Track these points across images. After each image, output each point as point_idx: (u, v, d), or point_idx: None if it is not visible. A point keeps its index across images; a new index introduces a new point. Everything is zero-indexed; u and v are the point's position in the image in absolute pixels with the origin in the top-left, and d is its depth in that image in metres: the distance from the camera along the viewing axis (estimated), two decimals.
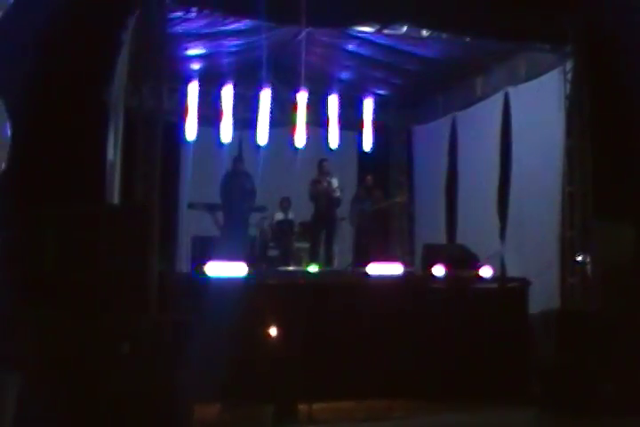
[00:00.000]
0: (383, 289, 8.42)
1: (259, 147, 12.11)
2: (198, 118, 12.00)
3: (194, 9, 8.81)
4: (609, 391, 7.41)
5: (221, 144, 12.03)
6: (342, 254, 11.55)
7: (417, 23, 9.53)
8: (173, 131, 11.54)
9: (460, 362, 8.12)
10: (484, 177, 11.46)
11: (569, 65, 9.98)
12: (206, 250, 8.80)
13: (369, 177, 11.59)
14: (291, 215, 11.55)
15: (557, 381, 7.65)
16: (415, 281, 8.99)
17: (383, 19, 9.43)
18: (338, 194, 11.09)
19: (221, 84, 12.06)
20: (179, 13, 8.90)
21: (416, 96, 13.42)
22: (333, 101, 12.87)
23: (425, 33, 9.77)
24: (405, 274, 9.11)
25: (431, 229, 12.53)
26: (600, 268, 8.87)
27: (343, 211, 11.46)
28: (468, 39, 10.01)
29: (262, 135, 12.11)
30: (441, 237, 12.11)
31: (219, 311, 7.40)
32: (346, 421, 7.18)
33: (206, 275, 7.88)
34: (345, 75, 12.48)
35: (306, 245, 11.15)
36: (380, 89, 13.08)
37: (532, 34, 9.77)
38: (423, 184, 13.24)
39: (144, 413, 5.91)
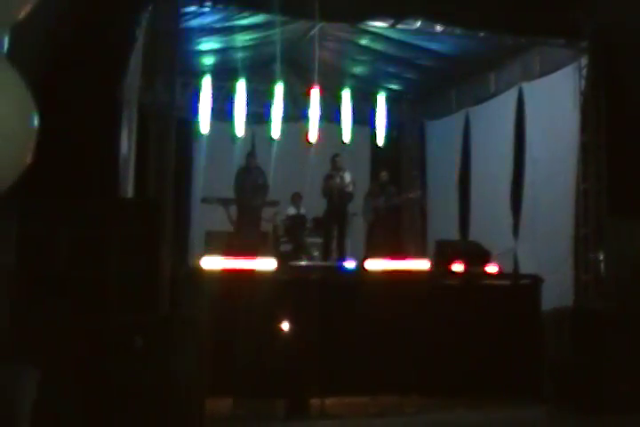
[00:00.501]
0: (395, 285, 8.41)
1: (272, 141, 12.11)
2: (211, 113, 12.00)
3: (207, 3, 8.81)
4: (622, 389, 7.39)
5: (234, 139, 12.03)
6: (354, 250, 11.53)
7: (431, 18, 9.49)
8: (187, 126, 11.57)
9: (473, 359, 8.10)
10: (497, 173, 11.42)
11: (584, 61, 9.91)
12: (219, 244, 8.81)
13: (383, 173, 11.56)
14: (303, 210, 11.56)
15: (570, 378, 7.63)
16: (428, 277, 8.98)
17: (397, 13, 9.39)
18: (350, 189, 11.08)
19: (235, 79, 12.05)
20: (192, 8, 8.91)
21: (429, 91, 13.39)
22: (346, 96, 12.84)
23: (439, 28, 9.74)
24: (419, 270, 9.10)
25: (444, 226, 12.49)
26: (614, 265, 8.83)
27: (356, 206, 11.45)
28: (481, 34, 9.97)
29: (275, 130, 12.11)
30: (454, 234, 12.07)
31: (230, 305, 7.42)
32: (358, 416, 7.20)
33: (219, 269, 7.90)
34: (358, 69, 12.46)
35: (318, 240, 11.15)
36: (393, 84, 13.05)
37: (547, 29, 9.71)
38: (436, 180, 13.20)
39: (155, 407, 5.94)
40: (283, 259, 9.16)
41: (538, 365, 8.26)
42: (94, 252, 6.43)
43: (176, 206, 8.32)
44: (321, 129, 12.16)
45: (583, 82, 9.90)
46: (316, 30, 10.49)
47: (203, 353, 6.31)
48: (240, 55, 11.49)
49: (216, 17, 9.59)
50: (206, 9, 9.01)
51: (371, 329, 7.94)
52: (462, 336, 8.18)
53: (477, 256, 9.35)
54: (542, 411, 7.47)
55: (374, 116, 13.20)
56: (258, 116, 12.37)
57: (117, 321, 6.00)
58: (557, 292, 9.25)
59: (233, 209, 10.91)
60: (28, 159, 2.85)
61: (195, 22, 9.53)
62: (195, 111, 11.94)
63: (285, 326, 7.26)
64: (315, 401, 7.08)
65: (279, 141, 12.09)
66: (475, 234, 11.53)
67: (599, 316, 8.09)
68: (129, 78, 8.93)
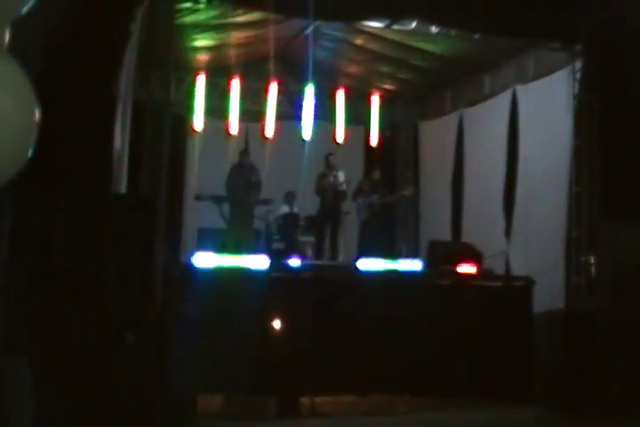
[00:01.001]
0: (388, 284, 8.42)
1: (266, 140, 12.10)
2: (206, 110, 11.97)
3: (203, 0, 8.80)
4: (613, 391, 7.41)
5: (228, 136, 12.01)
6: (347, 249, 11.53)
7: (426, 19, 9.50)
8: (181, 122, 11.53)
9: (465, 359, 8.13)
10: (490, 175, 11.44)
11: (578, 64, 9.94)
12: (212, 242, 8.80)
13: (376, 171, 11.55)
14: (296, 209, 11.55)
15: (561, 380, 7.65)
16: (421, 278, 8.99)
17: (392, 14, 9.39)
18: (344, 188, 11.09)
19: (229, 76, 12.03)
20: (188, 4, 8.89)
21: (424, 92, 13.40)
22: (341, 95, 12.84)
23: (434, 29, 9.75)
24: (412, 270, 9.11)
25: (437, 226, 12.51)
26: (606, 268, 8.85)
27: (349, 205, 11.45)
28: (476, 36, 9.99)
29: (269, 128, 12.10)
30: (446, 235, 12.08)
31: (223, 303, 7.41)
32: (349, 414, 7.19)
33: (212, 266, 7.90)
34: (353, 69, 12.46)
35: (311, 238, 11.15)
36: (387, 84, 13.05)
37: (542, 32, 9.73)
38: (429, 180, 13.21)
39: (147, 403, 5.92)
40: (275, 257, 9.14)
41: (529, 366, 8.28)
42: (87, 248, 6.41)
43: (169, 203, 8.29)
44: (315, 128, 12.17)
45: (577, 85, 9.93)
46: (311, 29, 10.49)
47: (195, 350, 6.29)
48: (235, 52, 11.47)
49: (211, 14, 9.57)
50: (201, 5, 9.00)
51: (363, 328, 7.94)
52: (454, 337, 8.20)
53: (469, 257, 9.37)
54: (534, 412, 7.48)
55: (368, 115, 13.20)
56: (252, 113, 12.36)
57: (110, 317, 5.98)
58: (549, 294, 9.28)
59: (226, 206, 10.89)
60: (29, 154, 2.85)
61: (190, 19, 9.51)
62: (189, 108, 11.90)
63: (277, 323, 7.25)
64: (306, 400, 7.07)
65: (273, 140, 12.09)
66: (467, 235, 11.56)
67: (590, 318, 8.12)
68: (123, 74, 8.88)
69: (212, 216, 10.86)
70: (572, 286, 9.45)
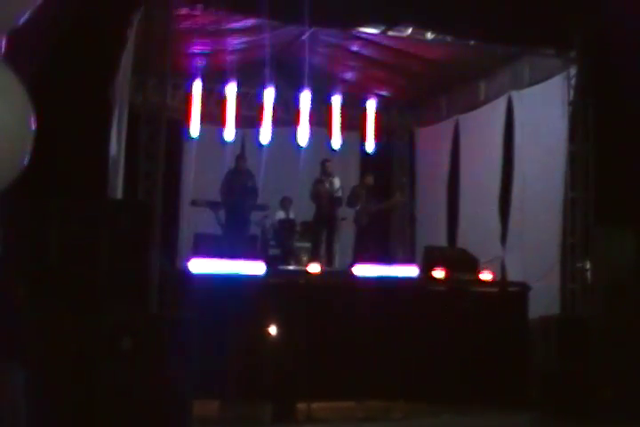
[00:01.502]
0: (384, 290, 8.42)
1: (261, 145, 12.11)
2: (202, 116, 11.98)
3: (199, 6, 8.81)
4: (608, 397, 7.42)
5: (224, 142, 12.01)
6: (343, 255, 11.52)
7: (422, 25, 9.53)
8: (177, 128, 11.53)
9: (460, 365, 8.13)
10: (485, 180, 11.46)
11: (573, 71, 9.98)
12: (208, 247, 8.78)
13: (369, 177, 11.54)
14: (292, 215, 11.54)
15: (557, 385, 7.65)
16: (416, 283, 8.99)
17: (388, 20, 9.42)
18: (340, 194, 11.09)
19: (225, 82, 12.04)
20: (184, 10, 8.90)
21: (419, 98, 13.42)
22: (336, 101, 12.86)
23: (429, 35, 9.78)
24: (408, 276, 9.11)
25: (432, 232, 12.52)
26: (601, 274, 8.87)
27: (345, 211, 11.44)
28: (472, 42, 10.02)
29: (265, 134, 12.11)
30: (442, 240, 12.10)
31: (218, 309, 7.40)
32: (344, 420, 7.20)
33: (207, 272, 7.89)
34: (348, 75, 12.48)
35: (307, 244, 11.14)
36: (383, 90, 13.07)
37: (537, 39, 9.77)
38: (425, 186, 13.23)
39: (143, 408, 5.91)
40: (271, 263, 9.14)
41: (524, 372, 8.29)
42: (83, 253, 6.40)
43: (165, 208, 8.29)
44: (311, 134, 12.18)
45: (572, 91, 9.96)
46: (307, 35, 10.50)
47: (190, 355, 6.28)
48: (231, 58, 11.48)
49: (207, 20, 9.59)
50: (198, 12, 9.01)
51: (358, 334, 7.94)
52: (450, 343, 8.20)
53: (465, 263, 9.38)
54: (528, 417, 7.49)
55: (364, 121, 13.22)
56: (248, 119, 12.36)
57: (106, 322, 5.98)
58: (544, 300, 9.29)
59: (222, 212, 10.88)
60: (26, 161, 2.86)
61: (186, 24, 9.52)
62: (185, 114, 11.91)
63: (273, 329, 7.25)
64: (301, 405, 7.06)
65: (269, 145, 12.10)
66: (463, 241, 11.57)
67: (585, 324, 8.14)
68: (120, 79, 8.89)
69: (208, 222, 10.85)
70: (568, 292, 9.46)
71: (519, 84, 11.03)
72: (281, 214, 11.50)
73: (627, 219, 8.63)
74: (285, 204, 11.55)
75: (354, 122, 13.17)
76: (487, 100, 11.83)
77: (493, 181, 11.26)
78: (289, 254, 10.92)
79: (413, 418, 7.39)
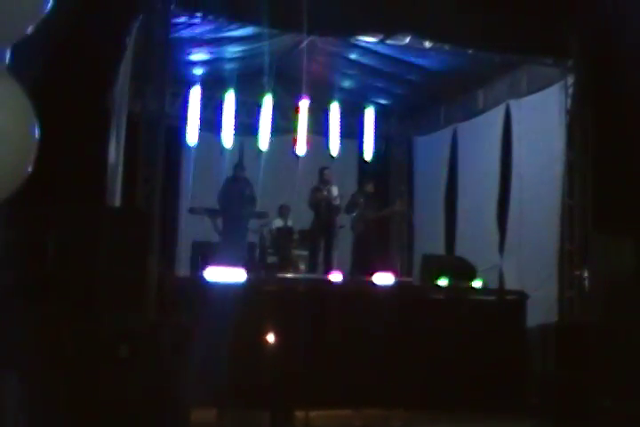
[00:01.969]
0: (382, 299, 8.41)
1: (260, 153, 12.12)
2: (200, 123, 11.99)
3: (198, 14, 8.84)
4: (606, 404, 7.40)
5: (223, 150, 12.02)
6: (341, 263, 11.51)
7: (420, 34, 9.56)
8: (175, 135, 11.54)
9: (458, 373, 8.11)
10: (483, 189, 11.48)
11: (570, 80, 10.02)
12: (206, 255, 8.78)
13: (370, 185, 11.57)
14: (290, 222, 11.54)
15: (555, 393, 7.64)
16: (414, 291, 8.98)
17: (386, 29, 9.45)
18: (338, 202, 11.09)
19: (224, 90, 12.06)
20: (183, 18, 8.93)
21: (418, 106, 13.44)
22: (335, 110, 12.88)
23: (427, 44, 9.81)
24: (403, 284, 9.11)
25: (430, 240, 12.52)
26: (599, 282, 8.87)
27: (343, 219, 11.45)
28: (470, 51, 10.06)
29: (264, 142, 12.12)
30: (440, 248, 12.10)
31: (217, 317, 7.38)
32: None
33: (206, 280, 7.88)
34: (347, 83, 12.50)
35: (304, 252, 11.14)
36: (381, 98, 13.10)
37: (535, 48, 9.82)
38: (423, 194, 13.24)
39: (141, 416, 5.88)
40: (269, 271, 9.14)
41: (522, 380, 8.27)
42: (81, 260, 6.39)
43: (163, 216, 8.29)
44: (309, 142, 12.20)
45: (569, 100, 10.00)
46: (305, 43, 10.53)
47: (188, 363, 6.26)
48: (229, 66, 11.52)
49: (206, 28, 9.61)
50: (197, 20, 9.03)
51: (356, 342, 7.92)
52: (448, 351, 8.18)
53: (463, 271, 9.38)
54: (528, 425, 7.47)
55: (362, 130, 13.23)
56: (246, 127, 12.38)
57: (103, 330, 5.96)
58: (542, 308, 9.28)
59: (220, 220, 10.87)
60: (30, 170, 2.88)
61: (185, 33, 9.55)
62: (183, 121, 11.92)
63: (271, 337, 7.23)
64: (299, 413, 7.04)
65: (267, 153, 12.10)
66: (461, 249, 11.57)
67: (583, 332, 8.12)
68: (118, 86, 8.90)
69: (207, 229, 10.84)
70: (566, 300, 9.46)
71: (517, 93, 11.06)
72: (279, 222, 11.49)
73: (625, 227, 8.63)
74: (283, 212, 11.55)
75: (352, 130, 13.20)
76: (485, 109, 11.86)
77: (491, 189, 11.28)
78: (287, 262, 10.91)
79: (412, 426, 7.36)
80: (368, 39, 9.87)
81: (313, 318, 7.85)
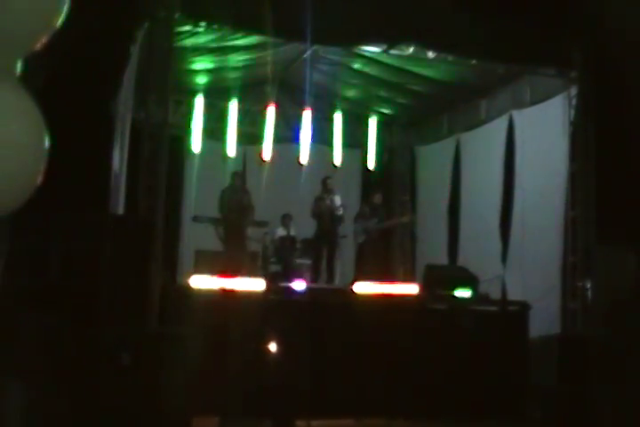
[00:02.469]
0: (384, 308, 8.39)
1: (263, 162, 12.12)
2: (203, 132, 12.00)
3: (202, 23, 8.87)
4: (608, 417, 7.37)
5: (226, 158, 12.03)
6: (344, 272, 11.51)
7: (423, 44, 9.59)
8: (179, 144, 11.55)
9: (460, 384, 8.08)
10: (486, 199, 11.46)
11: (573, 90, 10.03)
12: (209, 264, 8.77)
13: (377, 195, 11.56)
14: (293, 232, 11.52)
15: (557, 405, 7.61)
16: (416, 301, 8.96)
17: (390, 39, 9.48)
18: (341, 212, 11.08)
19: (227, 99, 12.07)
20: (187, 27, 8.95)
21: (421, 116, 13.47)
22: (338, 119, 12.89)
23: (431, 54, 9.83)
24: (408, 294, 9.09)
25: (433, 250, 12.50)
26: (602, 293, 8.85)
27: (345, 228, 11.44)
28: (473, 62, 10.08)
29: (267, 151, 12.13)
30: (442, 259, 12.07)
31: (219, 325, 7.37)
32: None
33: (208, 288, 7.87)
34: (350, 93, 12.52)
35: (307, 261, 11.13)
36: (385, 108, 13.11)
37: (538, 58, 9.84)
38: (426, 205, 13.22)
39: (142, 424, 5.87)
40: (272, 280, 9.12)
41: (524, 391, 8.24)
42: (84, 268, 6.39)
43: (166, 224, 8.28)
44: (312, 151, 12.20)
45: (572, 111, 10.01)
46: (309, 53, 10.55)
47: (190, 372, 6.25)
48: (233, 75, 11.53)
49: (210, 37, 9.63)
50: (201, 29, 9.06)
51: (358, 352, 7.91)
52: (449, 361, 8.16)
53: (465, 281, 9.36)
54: None
55: (366, 139, 13.24)
56: (250, 136, 12.39)
57: (105, 338, 5.95)
58: (545, 319, 9.25)
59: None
60: (39, 180, 2.90)
61: (189, 41, 9.57)
62: (187, 130, 11.93)
63: (273, 346, 7.22)
64: (301, 423, 7.02)
65: (270, 162, 12.10)
66: (463, 260, 11.55)
67: (586, 344, 8.10)
68: (122, 95, 8.93)
69: (210, 238, 10.83)
70: (568, 311, 9.44)
71: (520, 104, 11.07)
72: (282, 231, 11.48)
73: (627, 238, 8.62)
74: (286, 221, 11.53)
75: (355, 139, 13.22)
76: (488, 119, 11.86)
77: (494, 199, 11.27)
78: (289, 271, 10.90)
79: None
80: (372, 49, 9.90)
81: (315, 328, 7.84)
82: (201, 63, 10.91)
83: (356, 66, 11.33)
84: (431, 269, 9.85)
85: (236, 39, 9.80)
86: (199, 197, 11.72)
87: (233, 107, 12.14)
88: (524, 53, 9.61)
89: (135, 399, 5.86)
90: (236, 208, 10.79)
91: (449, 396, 8.01)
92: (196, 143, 11.93)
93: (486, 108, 11.95)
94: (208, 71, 11.37)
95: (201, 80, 11.69)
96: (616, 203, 9.07)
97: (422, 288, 9.23)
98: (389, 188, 13.74)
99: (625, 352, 7.76)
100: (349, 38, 9.49)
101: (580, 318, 9.29)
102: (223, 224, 10.85)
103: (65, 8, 2.78)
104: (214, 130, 12.16)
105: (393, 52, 9.81)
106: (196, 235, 11.38)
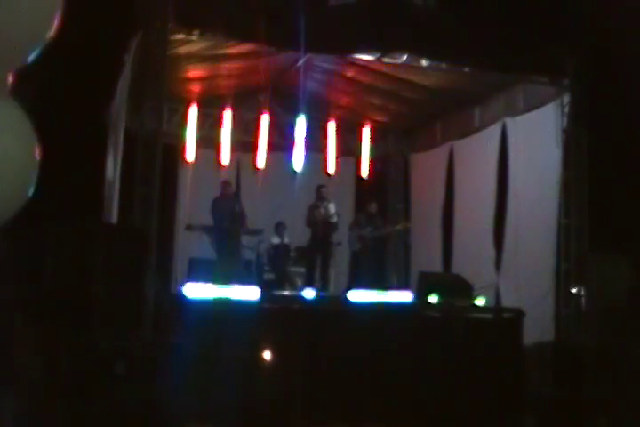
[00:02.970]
0: (378, 316, 8.40)
1: (257, 170, 12.12)
2: (197, 140, 12.00)
3: (196, 32, 8.88)
4: (603, 423, 7.38)
5: (220, 167, 12.01)
6: (338, 280, 11.51)
7: (417, 52, 9.62)
8: (172, 152, 11.54)
9: (455, 391, 8.09)
10: (480, 207, 11.49)
11: (566, 98, 10.08)
12: (203, 272, 8.76)
13: (373, 204, 11.58)
14: (286, 240, 11.52)
15: (551, 412, 7.62)
16: (411, 309, 8.97)
17: (383, 47, 9.51)
18: (335, 220, 11.08)
19: (221, 107, 12.08)
20: (181, 35, 8.96)
21: (414, 124, 13.49)
22: (332, 127, 12.91)
23: (424, 62, 9.87)
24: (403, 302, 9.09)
25: (427, 258, 12.51)
26: (595, 300, 8.88)
27: (340, 236, 11.45)
28: (466, 69, 10.12)
29: (261, 159, 12.14)
30: (437, 266, 12.09)
31: (213, 334, 7.36)
32: None
33: (202, 297, 7.86)
34: (344, 101, 12.55)
35: (301, 269, 11.12)
36: (378, 116, 13.14)
37: (531, 66, 9.89)
38: (420, 212, 13.24)
39: None
40: (266, 288, 9.11)
41: (519, 398, 8.25)
42: (77, 277, 6.38)
43: (160, 233, 8.27)
44: (306, 159, 12.21)
45: (565, 118, 10.05)
46: (302, 61, 10.58)
47: (184, 381, 6.24)
48: (227, 83, 11.54)
49: (204, 45, 9.65)
50: (194, 37, 9.07)
51: (354, 359, 7.90)
52: (445, 368, 8.16)
53: (459, 289, 9.38)
54: None
55: (359, 147, 13.26)
56: (243, 144, 12.39)
57: (100, 347, 5.94)
58: (539, 326, 9.26)
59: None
60: (30, 192, 2.92)
61: (183, 50, 9.58)
62: (181, 138, 11.92)
63: (268, 355, 7.21)
64: None
65: (264, 170, 12.11)
66: (457, 267, 11.56)
67: (580, 350, 8.12)
68: (116, 103, 8.93)
69: (204, 246, 10.82)
70: (562, 318, 9.46)
71: (513, 112, 11.11)
72: (276, 239, 11.48)
73: (620, 245, 8.66)
74: (280, 229, 11.54)
75: (349, 147, 13.23)
76: (482, 127, 11.89)
77: (488, 207, 11.29)
78: (283, 279, 10.90)
79: None
80: (365, 57, 9.92)
81: (309, 336, 7.83)
82: (194, 71, 10.91)
83: (350, 74, 11.36)
84: (425, 277, 9.87)
85: (230, 47, 9.80)
86: (193, 206, 11.71)
87: (227, 115, 12.13)
88: (517, 61, 9.66)
89: (130, 408, 5.85)
90: (228, 217, 10.78)
91: (443, 403, 8.01)
92: (190, 152, 11.92)
93: (480, 116, 11.98)
94: (202, 79, 11.37)
95: (195, 88, 11.69)
96: (608, 210, 9.11)
97: (416, 296, 9.24)
98: (383, 196, 13.75)
99: (618, 359, 7.78)
100: (343, 46, 9.52)
101: (573, 324, 9.30)
102: (217, 233, 10.84)
103: (56, 21, 2.80)
104: (208, 138, 12.15)
105: (386, 60, 9.84)
106: (190, 243, 11.37)
